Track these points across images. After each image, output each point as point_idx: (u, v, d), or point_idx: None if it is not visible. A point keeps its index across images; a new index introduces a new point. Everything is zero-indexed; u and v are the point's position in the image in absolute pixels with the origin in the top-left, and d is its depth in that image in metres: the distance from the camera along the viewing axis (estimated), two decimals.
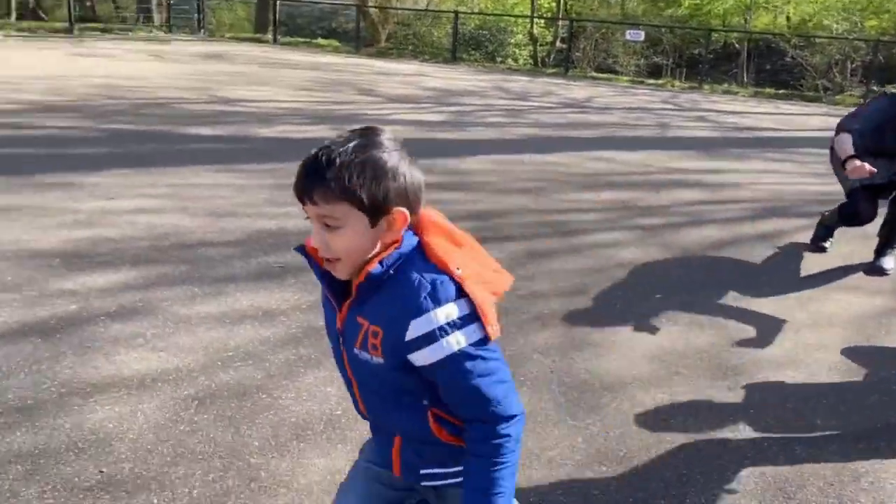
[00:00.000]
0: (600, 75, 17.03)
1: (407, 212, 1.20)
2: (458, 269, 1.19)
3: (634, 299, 3.70)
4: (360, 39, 18.86)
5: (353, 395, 1.38)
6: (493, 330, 1.20)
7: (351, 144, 1.17)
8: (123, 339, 2.95)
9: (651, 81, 16.27)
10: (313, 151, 1.18)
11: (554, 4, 22.49)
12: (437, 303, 1.17)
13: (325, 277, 1.28)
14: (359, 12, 19.35)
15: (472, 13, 20.12)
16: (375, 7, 19.95)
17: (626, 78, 16.80)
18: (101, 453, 2.24)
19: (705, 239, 4.78)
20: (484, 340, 1.20)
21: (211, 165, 5.78)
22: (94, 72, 10.71)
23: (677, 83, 16.08)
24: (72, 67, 11.08)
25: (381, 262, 1.20)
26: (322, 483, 2.17)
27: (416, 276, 1.19)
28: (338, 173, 1.14)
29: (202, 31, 19.55)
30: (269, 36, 19.26)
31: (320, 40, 19.36)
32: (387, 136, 1.22)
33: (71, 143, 6.29)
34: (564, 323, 3.38)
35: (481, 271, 1.24)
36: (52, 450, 2.24)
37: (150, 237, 4.12)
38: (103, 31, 17.97)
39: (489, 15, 19.79)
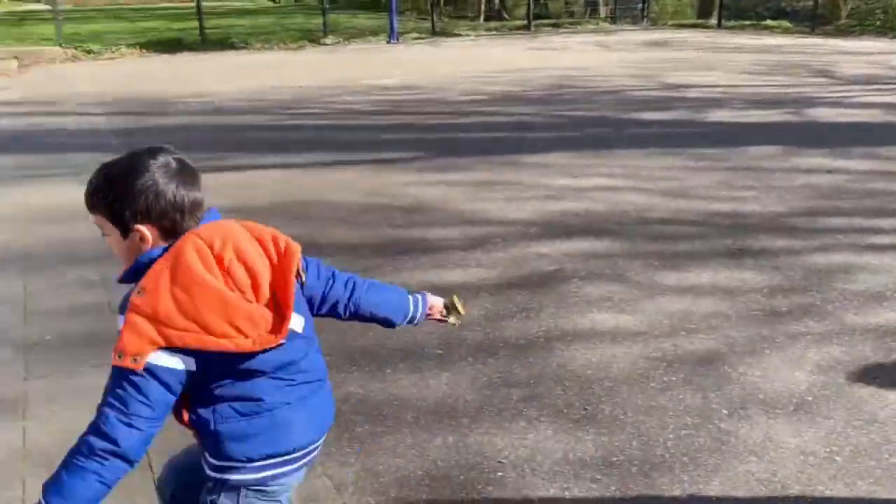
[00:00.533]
0: None
1: (148, 230, 1.28)
2: (138, 291, 1.25)
3: None
4: (815, 18, 17.25)
5: None
6: (121, 360, 1.22)
7: (115, 167, 1.30)
8: (594, 299, 3.27)
9: None
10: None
11: None
12: (121, 311, 1.27)
13: None
14: None
15: None
16: None
17: None
18: (583, 392, 2.54)
19: None
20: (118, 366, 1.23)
21: (662, 148, 5.94)
22: (549, 63, 11.71)
23: None
24: (531, 60, 12.27)
25: (125, 270, 1.33)
26: (796, 461, 2.15)
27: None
28: (91, 190, 1.31)
29: (645, 20, 19.91)
30: (713, 21, 18.76)
31: (768, 22, 18.20)
32: (159, 160, 1.29)
33: (536, 128, 7.03)
34: None
35: (179, 307, 1.23)
36: (543, 382, 2.62)
37: (611, 212, 4.45)
38: (555, 25, 19.46)
39: None
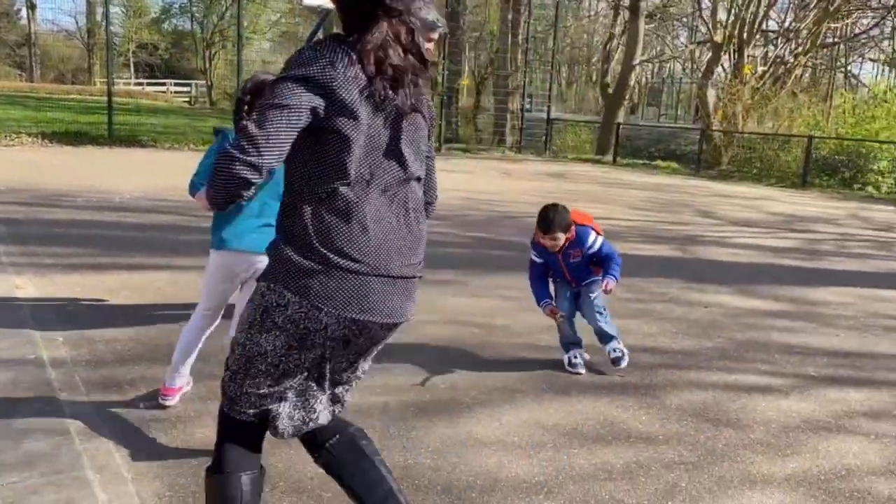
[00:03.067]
0: None
1: None
2: None
3: None
4: (700, 162, 18.80)
5: None
6: None
7: None
8: (483, 420, 3.32)
9: None
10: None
11: None
12: None
13: None
14: (703, 135, 19.38)
15: (829, 137, 18.92)
16: (721, 131, 19.81)
17: None
18: None
19: None
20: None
21: None
22: (458, 185, 12.16)
23: None
24: (440, 181, 12.70)
25: None
26: None
27: None
28: None
29: (547, 151, 21.14)
30: (609, 157, 20.12)
31: (658, 162, 19.70)
32: None
33: (441, 245, 7.22)
34: None
35: None
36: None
37: (508, 331, 4.57)
38: (464, 150, 20.36)
39: (849, 140, 18.42)
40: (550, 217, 3.82)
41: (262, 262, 2.63)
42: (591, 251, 3.94)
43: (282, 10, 36.88)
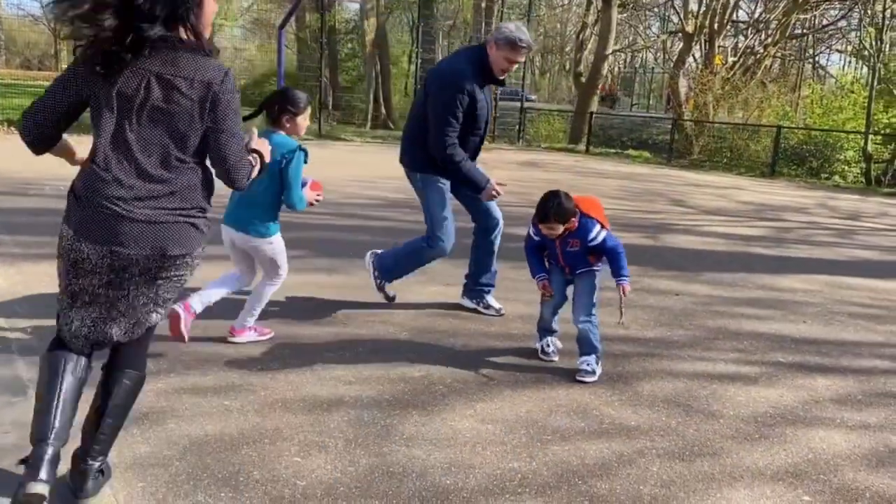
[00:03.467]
0: None
1: None
2: None
3: None
4: (672, 151, 18.98)
5: None
6: None
7: None
8: (458, 408, 3.33)
9: None
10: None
11: (894, 120, 20.55)
12: None
13: None
14: (674, 125, 19.55)
15: (797, 128, 19.20)
16: (692, 120, 20.00)
17: None
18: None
19: None
20: None
21: None
22: None
23: None
24: None
25: None
26: None
27: None
28: None
29: (520, 140, 21.19)
30: (582, 146, 20.23)
31: (631, 151, 19.85)
32: None
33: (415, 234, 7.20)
34: None
35: None
36: (403, 493, 2.61)
37: (478, 319, 4.59)
38: None
39: (816, 130, 18.70)
40: (549, 206, 3.68)
41: (240, 238, 3.79)
42: (592, 243, 3.78)
43: None
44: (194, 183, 2.33)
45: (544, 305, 4.04)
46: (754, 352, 4.41)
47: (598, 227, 3.79)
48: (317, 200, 3.90)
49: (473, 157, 4.48)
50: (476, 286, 4.84)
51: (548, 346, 4.06)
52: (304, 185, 3.82)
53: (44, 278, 4.88)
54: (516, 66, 4.46)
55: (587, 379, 3.75)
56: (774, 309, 5.40)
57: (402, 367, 3.79)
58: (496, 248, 4.80)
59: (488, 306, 4.82)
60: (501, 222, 4.76)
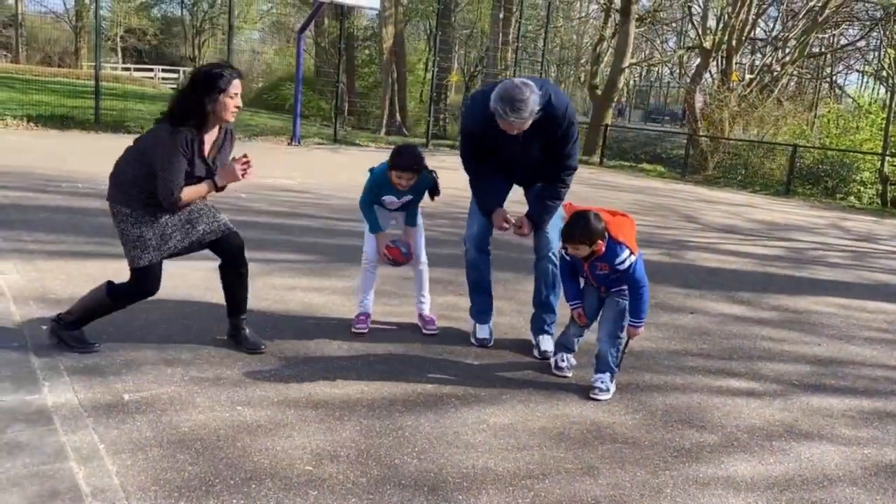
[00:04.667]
0: None
1: None
2: None
3: None
4: (686, 166, 18.92)
5: None
6: None
7: None
8: (471, 421, 3.32)
9: None
10: None
11: None
12: None
13: None
14: (690, 140, 19.49)
15: (814, 147, 19.11)
16: (708, 136, 19.94)
17: None
18: None
19: None
20: None
21: None
22: (443, 182, 12.15)
23: None
24: None
25: None
26: None
27: None
28: None
29: None
30: (596, 158, 20.20)
31: (645, 165, 19.80)
32: None
33: (433, 244, 7.21)
34: None
35: None
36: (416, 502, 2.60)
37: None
38: (451, 147, 20.35)
39: (832, 150, 18.60)
40: (574, 227, 3.56)
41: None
42: (620, 267, 3.64)
43: (273, 1, 36.66)
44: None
45: (573, 324, 4.01)
46: (769, 373, 4.38)
47: (626, 252, 3.64)
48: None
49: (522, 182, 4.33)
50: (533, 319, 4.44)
51: (562, 360, 4.04)
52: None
53: (59, 275, 4.91)
54: (518, 130, 3.79)
55: (601, 397, 3.73)
56: (789, 330, 5.36)
57: (414, 378, 3.78)
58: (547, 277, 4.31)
59: (536, 346, 4.36)
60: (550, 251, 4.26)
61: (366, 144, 18.42)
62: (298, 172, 11.71)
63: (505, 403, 3.57)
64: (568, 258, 3.84)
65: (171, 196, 3.42)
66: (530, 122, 3.74)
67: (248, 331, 3.94)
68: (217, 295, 4.02)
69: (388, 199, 4.35)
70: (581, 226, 3.58)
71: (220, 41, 35.68)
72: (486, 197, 4.23)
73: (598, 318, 3.90)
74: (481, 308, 4.46)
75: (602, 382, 3.77)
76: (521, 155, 4.05)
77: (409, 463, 2.90)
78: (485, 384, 3.78)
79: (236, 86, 3.50)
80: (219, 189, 3.64)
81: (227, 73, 3.47)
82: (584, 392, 3.78)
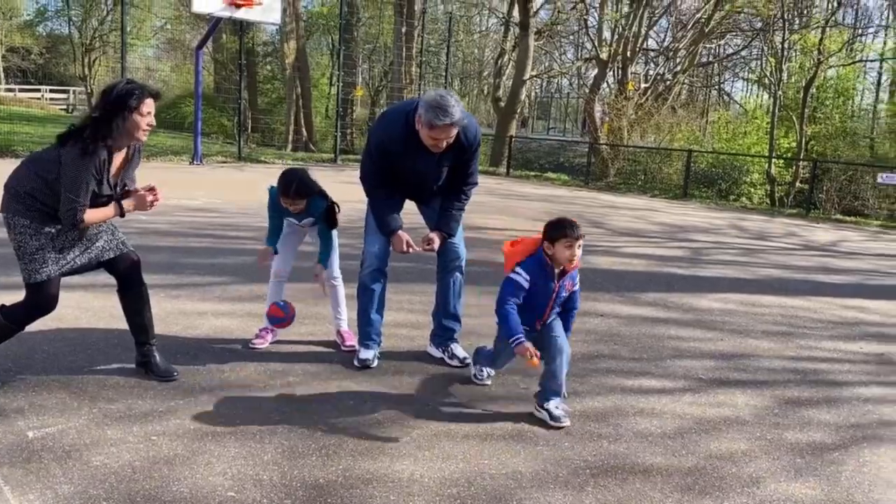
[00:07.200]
0: (846, 218, 16.04)
1: None
2: None
3: None
4: (589, 174, 19.54)
5: None
6: None
7: None
8: (393, 438, 3.32)
9: None
10: None
11: (794, 145, 21.81)
12: None
13: None
14: (591, 148, 20.14)
15: (706, 151, 20.10)
16: (607, 144, 20.65)
17: (876, 222, 15.67)
18: None
19: None
20: None
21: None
22: (353, 197, 12.08)
23: None
24: (336, 193, 12.58)
25: None
26: None
27: None
28: None
29: None
30: (503, 169, 20.57)
31: (550, 173, 20.32)
32: None
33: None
34: (823, 481, 3.23)
35: None
36: None
37: (410, 350, 4.59)
38: (359, 161, 20.33)
39: (724, 154, 19.62)
40: (573, 225, 3.40)
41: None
42: (575, 289, 3.65)
43: (167, 17, 35.61)
44: None
45: (504, 356, 3.76)
46: (678, 370, 4.57)
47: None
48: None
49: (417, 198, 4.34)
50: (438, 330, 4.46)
51: (481, 371, 4.08)
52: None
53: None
54: (446, 140, 3.80)
55: (566, 423, 3.55)
56: (694, 328, 5.61)
57: (335, 396, 3.75)
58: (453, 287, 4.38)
59: (452, 356, 4.36)
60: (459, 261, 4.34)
61: (272, 161, 18.14)
62: (202, 192, 11.41)
63: (428, 414, 3.58)
64: (526, 284, 3.46)
65: (73, 217, 3.28)
66: (455, 132, 3.79)
67: (158, 357, 3.80)
68: (122, 322, 3.86)
69: (289, 220, 4.35)
70: (574, 223, 3.44)
71: (113, 59, 34.37)
72: (386, 218, 4.18)
73: (550, 345, 3.55)
74: (378, 330, 4.30)
75: (560, 410, 3.60)
76: (433, 171, 4.07)
77: (335, 481, 2.87)
78: (407, 396, 3.79)
79: (149, 104, 3.39)
80: (122, 215, 3.52)
81: (139, 91, 3.37)
82: (504, 399, 3.84)
